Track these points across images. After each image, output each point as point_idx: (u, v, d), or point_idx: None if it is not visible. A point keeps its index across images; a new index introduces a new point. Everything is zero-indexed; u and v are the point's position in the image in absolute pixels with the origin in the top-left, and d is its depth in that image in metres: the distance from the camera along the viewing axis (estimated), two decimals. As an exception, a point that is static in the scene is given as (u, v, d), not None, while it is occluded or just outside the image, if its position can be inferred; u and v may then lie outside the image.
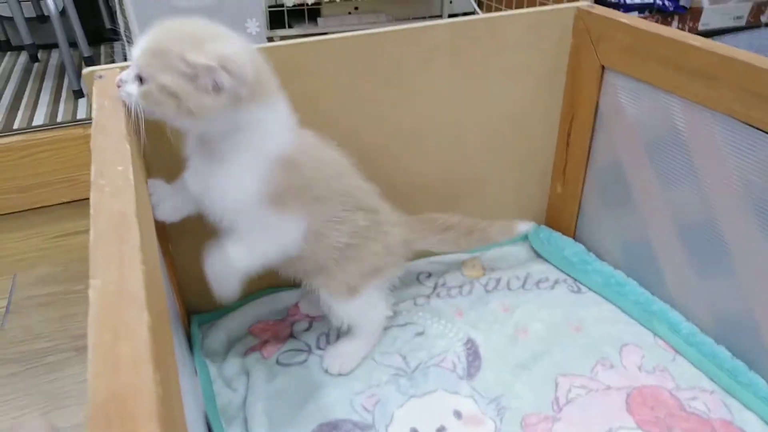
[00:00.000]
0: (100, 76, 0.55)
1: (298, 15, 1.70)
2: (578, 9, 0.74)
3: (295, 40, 0.64)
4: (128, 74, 0.51)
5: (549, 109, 0.81)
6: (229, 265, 0.57)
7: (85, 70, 0.57)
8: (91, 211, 0.35)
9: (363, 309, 0.66)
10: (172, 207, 0.59)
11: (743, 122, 0.59)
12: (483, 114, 0.77)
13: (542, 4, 1.64)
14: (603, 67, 0.74)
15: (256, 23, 1.45)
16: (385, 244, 0.65)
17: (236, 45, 0.51)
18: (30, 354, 0.83)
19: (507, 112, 0.79)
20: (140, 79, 0.50)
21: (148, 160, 0.62)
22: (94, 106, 0.49)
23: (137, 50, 0.50)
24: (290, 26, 1.69)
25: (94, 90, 0.53)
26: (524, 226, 0.79)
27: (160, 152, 0.62)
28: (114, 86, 0.53)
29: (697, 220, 0.67)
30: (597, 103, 0.76)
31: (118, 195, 0.37)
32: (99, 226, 0.34)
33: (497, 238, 0.78)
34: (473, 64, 0.73)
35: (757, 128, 0.58)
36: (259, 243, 0.58)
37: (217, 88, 0.49)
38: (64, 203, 1.25)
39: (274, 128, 0.55)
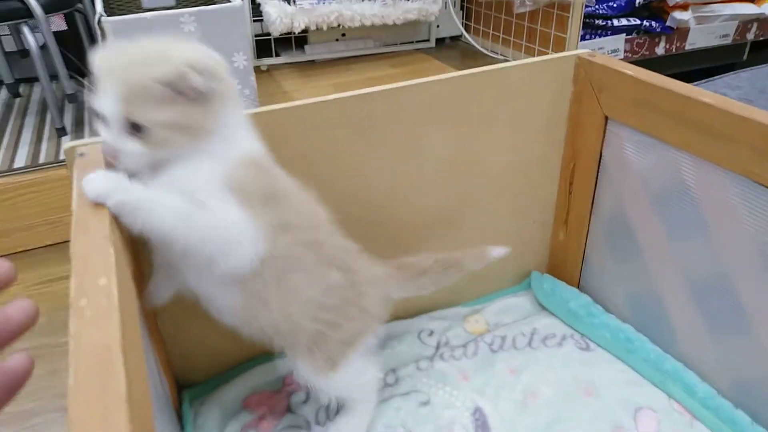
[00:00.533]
0: (82, 154, 0.52)
1: (285, 42, 1.67)
2: (578, 57, 0.71)
3: (289, 104, 0.61)
4: (113, 135, 0.44)
5: (550, 157, 0.79)
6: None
7: (66, 146, 0.53)
8: (71, 343, 0.32)
9: (349, 381, 0.60)
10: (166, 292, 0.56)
11: (759, 183, 0.57)
12: (483, 164, 0.75)
13: (530, 28, 1.63)
14: (606, 117, 0.72)
15: (243, 57, 1.42)
16: (362, 306, 0.58)
17: (192, 47, 0.47)
18: (16, 416, 0.80)
19: (508, 162, 0.76)
20: (134, 128, 0.44)
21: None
22: (74, 194, 0.46)
23: (107, 102, 0.44)
24: (278, 54, 1.67)
25: (75, 171, 0.49)
26: (498, 251, 0.71)
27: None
28: (96, 167, 0.49)
29: (709, 276, 0.65)
30: (600, 152, 0.74)
31: (100, 322, 0.33)
32: (80, 368, 0.30)
33: (473, 267, 0.70)
34: (473, 116, 0.70)
35: (774, 190, 0.56)
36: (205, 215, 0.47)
37: (199, 93, 0.45)
38: (46, 246, 1.21)
39: (241, 132, 0.50)
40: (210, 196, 0.47)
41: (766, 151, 0.55)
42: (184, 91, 0.44)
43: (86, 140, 0.54)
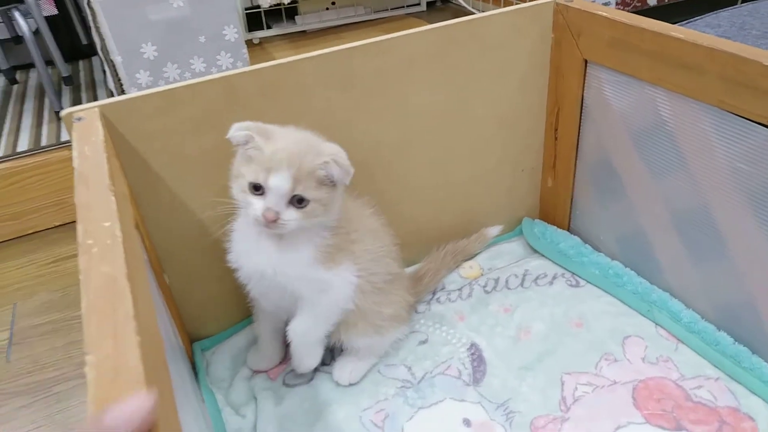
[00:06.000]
0: (80, 119, 0.54)
1: (275, 14, 1.68)
2: (557, 4, 0.73)
3: (273, 62, 0.63)
4: (278, 204, 0.54)
5: (535, 104, 0.81)
6: (303, 338, 0.63)
7: (64, 112, 0.56)
8: (81, 276, 0.35)
9: (381, 345, 0.69)
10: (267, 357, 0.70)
11: (730, 112, 0.59)
12: (469, 115, 0.77)
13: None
14: (586, 61, 0.73)
15: (234, 29, 1.43)
16: (402, 299, 0.69)
17: (331, 146, 0.58)
18: (38, 385, 0.84)
19: (493, 112, 0.78)
20: (297, 201, 0.55)
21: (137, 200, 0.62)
22: (74, 153, 0.48)
23: (283, 179, 0.54)
24: (269, 27, 1.67)
25: (74, 135, 0.52)
26: (493, 230, 0.85)
27: (147, 193, 0.63)
28: (94, 129, 0.52)
29: (690, 208, 0.67)
30: (582, 96, 0.76)
31: (106, 257, 0.36)
32: (90, 296, 0.33)
33: (477, 249, 0.84)
34: (455, 68, 0.72)
35: (744, 117, 0.58)
36: (320, 310, 0.63)
37: (333, 182, 0.56)
38: (55, 227, 1.24)
39: (338, 206, 0.60)
40: (324, 272, 0.60)
41: (735, 80, 0.57)
42: (333, 179, 0.56)
43: (83, 106, 0.56)
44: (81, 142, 0.50)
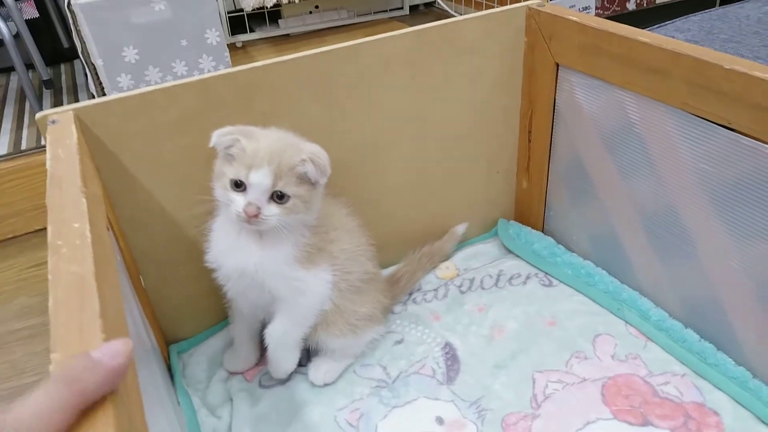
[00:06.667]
0: (53, 121, 0.55)
1: (258, 18, 1.69)
2: (529, 8, 0.75)
3: (249, 65, 0.64)
4: (259, 199, 0.55)
5: (509, 107, 0.82)
6: (281, 341, 0.64)
7: (38, 115, 0.56)
8: (50, 276, 0.36)
9: (356, 346, 0.70)
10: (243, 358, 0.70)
11: (694, 114, 0.61)
12: (444, 117, 0.78)
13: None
14: (557, 65, 0.75)
15: (216, 33, 1.43)
16: (377, 300, 0.70)
17: (312, 146, 0.59)
18: (16, 390, 0.84)
19: (468, 114, 0.79)
20: (278, 197, 0.56)
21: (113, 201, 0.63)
22: (48, 156, 0.49)
23: (263, 175, 0.55)
24: (252, 30, 1.68)
25: (48, 137, 0.53)
26: (461, 228, 0.86)
27: (123, 195, 0.63)
28: (68, 132, 0.53)
29: (657, 208, 0.69)
30: (554, 99, 0.78)
31: (75, 257, 0.37)
32: (58, 294, 0.34)
33: (451, 248, 0.86)
34: (430, 70, 0.73)
35: (707, 120, 0.60)
36: (298, 311, 0.64)
37: (316, 181, 0.58)
38: (36, 231, 1.24)
39: (317, 205, 0.61)
40: (303, 271, 0.61)
41: (698, 83, 0.59)
42: (310, 178, 0.57)
43: (57, 109, 0.57)
44: (55, 145, 0.51)
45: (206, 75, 0.63)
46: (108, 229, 0.50)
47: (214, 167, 0.59)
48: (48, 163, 0.48)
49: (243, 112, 0.65)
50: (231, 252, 0.61)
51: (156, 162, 0.64)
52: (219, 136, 0.57)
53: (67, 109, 0.57)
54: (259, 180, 0.55)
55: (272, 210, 0.56)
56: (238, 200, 0.56)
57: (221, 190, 0.57)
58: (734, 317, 0.64)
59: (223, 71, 0.64)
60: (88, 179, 0.48)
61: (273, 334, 0.63)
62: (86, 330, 0.32)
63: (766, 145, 0.56)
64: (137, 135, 0.62)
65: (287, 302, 0.62)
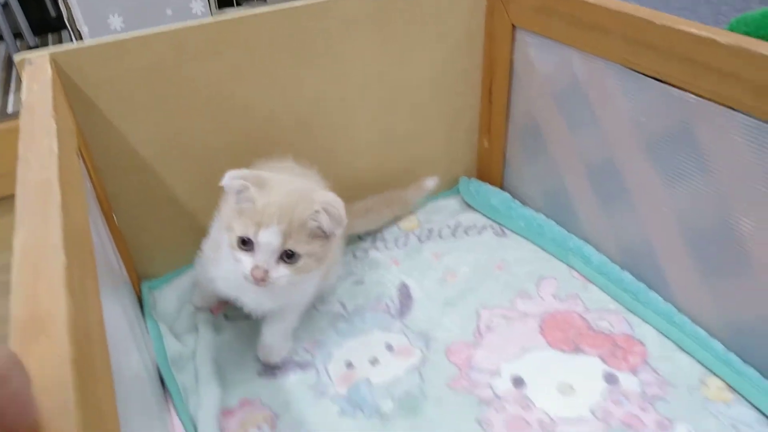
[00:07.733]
0: (30, 62, 0.59)
1: (244, -8, 1.72)
2: (487, -28, 0.79)
3: (209, 19, 0.67)
4: (267, 261, 0.53)
5: (471, 69, 0.87)
6: (279, 341, 0.66)
7: (17, 57, 0.60)
8: (17, 183, 0.40)
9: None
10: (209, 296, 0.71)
11: (632, 69, 0.66)
12: (408, 77, 0.82)
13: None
14: (514, 26, 0.79)
15: (200, 4, 1.47)
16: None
17: (324, 194, 0.56)
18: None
19: (431, 74, 0.84)
20: (287, 256, 0.53)
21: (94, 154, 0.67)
22: (23, 90, 0.53)
23: (273, 235, 0.52)
24: (239, 4, 1.71)
25: (24, 75, 0.57)
26: (430, 182, 0.87)
27: (98, 137, 0.67)
28: (43, 70, 0.57)
29: (600, 160, 0.74)
30: (511, 60, 0.82)
31: (43, 166, 0.41)
32: (25, 195, 0.38)
33: (413, 199, 0.87)
34: (394, 31, 0.78)
35: (642, 73, 0.65)
36: (297, 309, 0.66)
37: (325, 233, 0.55)
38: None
39: (330, 257, 0.61)
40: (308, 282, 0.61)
41: (636, 39, 0.64)
42: (324, 230, 0.55)
43: (34, 52, 0.61)
44: (31, 81, 0.55)
45: (178, 25, 0.66)
46: (78, 157, 0.55)
47: (220, 212, 0.62)
48: (23, 94, 0.52)
49: (215, 64, 0.69)
50: (247, 290, 0.60)
51: (130, 108, 0.68)
52: (231, 179, 0.54)
53: (44, 53, 0.61)
54: (268, 240, 0.52)
55: (281, 271, 0.53)
56: (246, 261, 0.53)
57: (229, 246, 0.55)
58: (664, 260, 0.69)
59: (195, 22, 0.67)
60: (60, 110, 0.52)
61: (276, 333, 0.65)
62: (49, 217, 0.36)
63: (691, 95, 0.61)
64: (112, 80, 0.65)
65: (288, 306, 0.65)
